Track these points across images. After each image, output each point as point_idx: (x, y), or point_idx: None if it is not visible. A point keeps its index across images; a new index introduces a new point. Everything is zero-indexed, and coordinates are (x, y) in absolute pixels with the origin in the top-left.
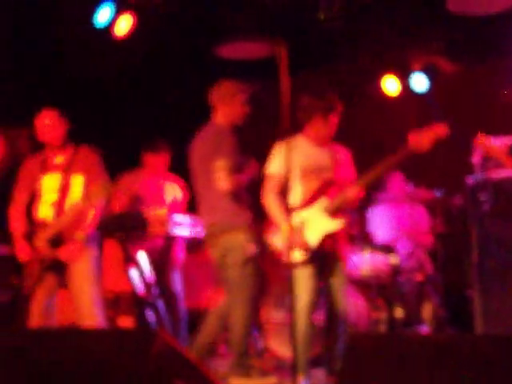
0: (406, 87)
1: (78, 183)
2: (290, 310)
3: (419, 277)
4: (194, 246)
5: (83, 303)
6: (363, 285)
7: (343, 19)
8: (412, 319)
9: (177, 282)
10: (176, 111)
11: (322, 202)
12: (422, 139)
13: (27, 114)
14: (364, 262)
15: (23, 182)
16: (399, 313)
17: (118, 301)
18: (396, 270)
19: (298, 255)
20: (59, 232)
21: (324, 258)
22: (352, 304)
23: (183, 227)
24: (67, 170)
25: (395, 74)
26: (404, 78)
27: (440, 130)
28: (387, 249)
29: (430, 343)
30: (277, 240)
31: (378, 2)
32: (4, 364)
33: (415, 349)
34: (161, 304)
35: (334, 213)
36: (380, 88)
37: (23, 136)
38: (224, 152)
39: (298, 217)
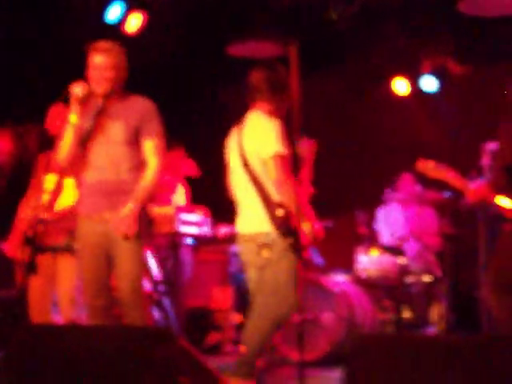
0: (416, 88)
1: (70, 185)
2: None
3: (427, 278)
4: (201, 244)
5: (63, 304)
6: (370, 285)
7: (354, 20)
8: (420, 321)
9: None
10: (188, 109)
11: None
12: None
13: (38, 111)
14: (371, 262)
15: (34, 180)
16: (407, 314)
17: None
18: (404, 271)
19: None
20: (41, 234)
21: None
22: (358, 304)
23: (191, 226)
24: (62, 172)
25: (405, 76)
26: (414, 79)
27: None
28: (395, 249)
29: (438, 345)
30: None
31: (388, 4)
32: (15, 359)
33: (423, 351)
34: (167, 301)
35: None
36: (390, 88)
37: (32, 132)
38: None
39: None
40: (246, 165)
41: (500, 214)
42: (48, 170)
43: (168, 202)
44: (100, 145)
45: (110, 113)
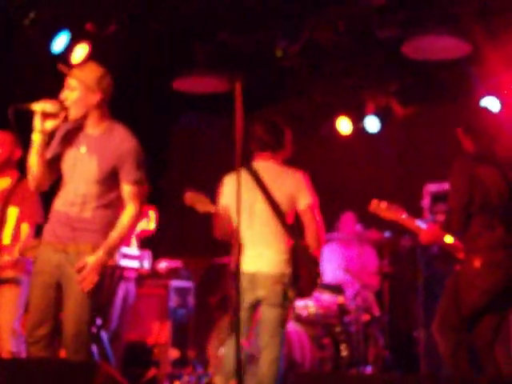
0: (359, 128)
1: (12, 216)
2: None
3: (365, 317)
4: (141, 278)
5: (3, 335)
6: (310, 323)
7: (299, 58)
8: (357, 359)
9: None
10: None
11: None
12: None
13: None
14: (312, 300)
15: None
16: (345, 352)
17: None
18: (343, 310)
19: None
20: None
21: None
22: (297, 342)
23: (131, 259)
24: (5, 201)
25: (348, 115)
26: (357, 119)
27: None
28: (335, 288)
29: (375, 383)
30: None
31: (334, 43)
32: None
33: None
34: (104, 335)
35: None
36: (334, 127)
37: None
38: None
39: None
40: (277, 212)
41: (450, 254)
42: None
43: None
44: (70, 176)
45: (84, 140)
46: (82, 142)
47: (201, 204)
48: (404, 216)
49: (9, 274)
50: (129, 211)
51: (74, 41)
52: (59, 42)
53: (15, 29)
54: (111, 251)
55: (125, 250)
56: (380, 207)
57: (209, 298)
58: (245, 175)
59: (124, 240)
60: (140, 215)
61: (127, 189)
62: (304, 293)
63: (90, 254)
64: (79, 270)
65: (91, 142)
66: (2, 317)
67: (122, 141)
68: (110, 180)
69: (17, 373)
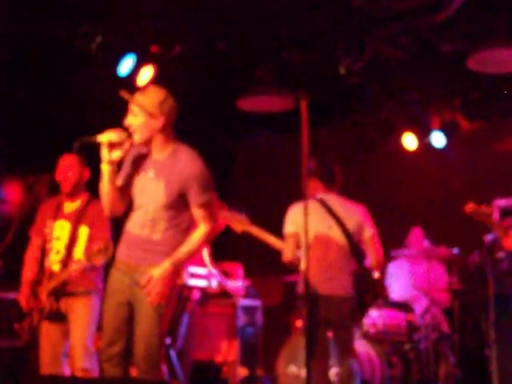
0: (425, 143)
1: (83, 235)
2: (304, 364)
3: (435, 335)
4: (207, 297)
5: (76, 352)
6: (378, 341)
7: (364, 74)
8: (427, 378)
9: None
10: None
11: None
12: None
13: (49, 161)
14: (380, 317)
15: (39, 226)
16: (415, 371)
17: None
18: (412, 327)
19: None
20: (62, 284)
21: None
22: (366, 360)
23: (199, 279)
24: (76, 220)
25: (414, 131)
26: (423, 134)
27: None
28: (404, 305)
29: None
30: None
31: (399, 60)
32: None
33: None
34: (173, 354)
35: None
36: (400, 143)
37: (43, 182)
38: None
39: None
40: (350, 240)
41: None
42: (57, 216)
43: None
44: (140, 200)
45: (151, 165)
46: (149, 166)
47: (239, 224)
48: (496, 219)
49: (80, 288)
50: (200, 230)
51: (140, 63)
52: (125, 65)
53: (81, 56)
54: (178, 264)
55: (192, 269)
56: (477, 209)
57: (289, 318)
58: (313, 204)
59: (192, 256)
60: (212, 235)
61: (196, 211)
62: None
63: None
64: (145, 284)
65: (158, 167)
66: (75, 334)
67: (186, 164)
68: (178, 203)
69: None
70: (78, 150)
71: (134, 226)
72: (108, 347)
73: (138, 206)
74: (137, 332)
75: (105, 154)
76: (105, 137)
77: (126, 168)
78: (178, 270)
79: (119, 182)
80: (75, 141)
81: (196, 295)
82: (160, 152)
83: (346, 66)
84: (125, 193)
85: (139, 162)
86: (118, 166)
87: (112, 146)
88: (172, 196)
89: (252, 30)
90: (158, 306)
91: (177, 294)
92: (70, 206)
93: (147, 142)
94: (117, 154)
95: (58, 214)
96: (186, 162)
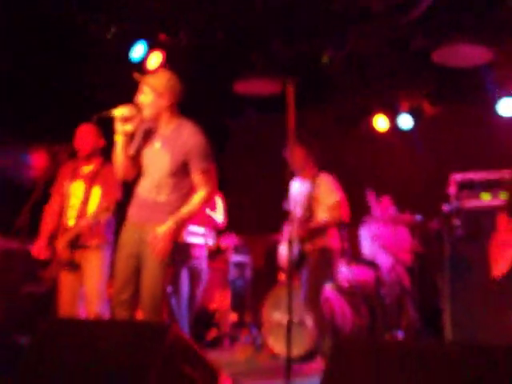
0: (394, 125)
1: (96, 194)
2: (287, 311)
3: (398, 289)
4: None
5: (90, 298)
6: (350, 294)
7: (343, 64)
8: (391, 326)
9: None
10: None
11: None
12: None
13: (70, 132)
14: (352, 273)
15: (58, 186)
16: (380, 320)
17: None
18: (379, 283)
19: None
20: (75, 237)
21: None
22: (339, 310)
23: (199, 236)
24: (91, 181)
25: (385, 114)
26: (393, 116)
27: None
28: (373, 263)
29: (406, 348)
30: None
31: (375, 52)
32: (39, 347)
33: (393, 353)
34: (173, 301)
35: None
36: (373, 123)
37: (65, 151)
38: None
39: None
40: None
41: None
42: (74, 177)
43: (207, 218)
44: (148, 168)
45: (158, 137)
46: (157, 139)
47: None
48: None
49: (92, 242)
50: (200, 194)
51: (150, 50)
52: (137, 51)
53: (98, 42)
54: (180, 223)
55: (192, 228)
56: None
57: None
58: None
59: (192, 216)
60: (210, 199)
61: (197, 178)
62: None
63: None
64: (151, 241)
65: (164, 139)
66: (89, 282)
67: (189, 137)
68: (181, 170)
69: (98, 333)
70: (96, 122)
71: (143, 190)
72: (119, 294)
73: (146, 173)
74: (143, 283)
75: (118, 126)
76: (119, 111)
77: (137, 140)
78: (179, 228)
79: (130, 151)
80: (94, 114)
81: (200, 252)
82: (166, 126)
83: (328, 56)
84: (135, 161)
85: (148, 135)
86: (129, 137)
87: (125, 119)
88: (176, 164)
89: (247, 23)
90: (161, 260)
91: (180, 250)
92: (86, 169)
93: (155, 118)
94: (129, 127)
95: (75, 175)
96: (188, 135)
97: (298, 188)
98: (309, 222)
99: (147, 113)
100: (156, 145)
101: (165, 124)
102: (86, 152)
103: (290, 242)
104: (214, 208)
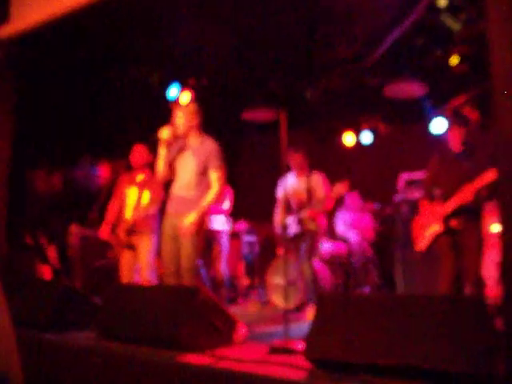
0: (358, 140)
1: (146, 196)
2: (283, 276)
3: (364, 258)
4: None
5: (144, 270)
6: (329, 262)
7: (321, 98)
8: (360, 284)
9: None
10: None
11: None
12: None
13: (126, 150)
14: (331, 247)
15: (118, 190)
16: (352, 280)
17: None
18: (350, 253)
19: None
20: (132, 225)
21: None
22: (323, 274)
23: (221, 223)
24: (142, 187)
25: (352, 132)
26: (357, 134)
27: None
28: (345, 239)
29: (372, 300)
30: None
31: (342, 88)
32: (109, 303)
33: (362, 303)
34: (204, 271)
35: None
36: (342, 139)
37: (122, 164)
38: None
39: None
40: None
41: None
42: (130, 184)
43: (220, 208)
44: (181, 170)
45: (189, 148)
46: (187, 149)
47: None
48: None
49: (144, 229)
50: (213, 189)
51: (182, 90)
52: (173, 91)
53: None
54: (201, 213)
55: (215, 217)
56: None
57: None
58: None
59: (210, 207)
60: (221, 193)
61: (213, 174)
62: None
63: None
64: (184, 227)
65: (193, 149)
66: (142, 258)
67: (209, 145)
68: (203, 172)
69: (148, 294)
70: (149, 141)
71: (175, 189)
72: (167, 267)
73: (178, 176)
74: (181, 258)
75: (161, 143)
76: (163, 133)
77: (173, 152)
78: (202, 216)
79: (169, 160)
80: (149, 137)
81: (221, 234)
82: (194, 141)
83: (310, 92)
84: (171, 167)
85: (181, 147)
86: (168, 150)
87: (166, 138)
88: (201, 165)
89: (251, 69)
90: (192, 239)
91: (204, 232)
92: (139, 178)
93: (186, 135)
94: (169, 141)
95: (130, 182)
96: (209, 144)
97: (294, 182)
98: (310, 208)
99: (181, 131)
100: (187, 154)
101: (194, 139)
102: (138, 165)
103: (284, 226)
104: (223, 198)
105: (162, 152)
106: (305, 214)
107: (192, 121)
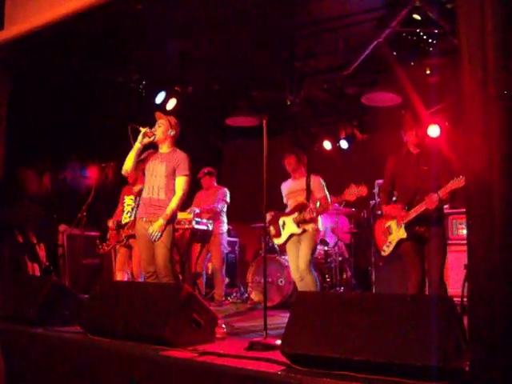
0: (337, 146)
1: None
2: (263, 275)
3: (340, 258)
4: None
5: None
6: None
7: (300, 105)
8: (335, 284)
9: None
10: (198, 156)
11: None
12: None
13: (113, 153)
14: None
15: (121, 198)
16: (328, 279)
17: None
18: (327, 254)
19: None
20: (129, 227)
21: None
22: None
23: (202, 225)
24: (137, 196)
25: (330, 139)
26: (335, 141)
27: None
28: (324, 241)
29: (346, 298)
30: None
31: (322, 97)
32: (95, 299)
33: (336, 301)
34: (185, 266)
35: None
36: (322, 145)
37: (110, 166)
38: None
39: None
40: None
41: None
42: (129, 194)
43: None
44: (151, 175)
45: (159, 156)
46: (158, 156)
47: None
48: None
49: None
50: (177, 195)
51: (168, 96)
52: (159, 97)
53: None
54: (168, 216)
55: (197, 218)
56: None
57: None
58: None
59: (176, 210)
60: (184, 198)
61: (178, 180)
62: None
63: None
64: (152, 231)
65: (162, 156)
66: (136, 258)
67: (179, 156)
68: (171, 177)
69: (134, 290)
70: (129, 130)
71: (145, 193)
72: (146, 268)
73: (148, 180)
74: (156, 254)
75: (140, 138)
76: (144, 129)
77: (145, 154)
78: (169, 219)
79: (138, 158)
80: (128, 124)
81: (204, 234)
82: (166, 149)
83: (290, 100)
84: (138, 166)
85: (153, 153)
86: (141, 149)
87: (145, 135)
88: (168, 172)
89: (234, 79)
90: (163, 240)
91: (173, 233)
92: (134, 189)
93: (162, 142)
94: (146, 140)
95: (129, 193)
96: (178, 154)
97: (291, 185)
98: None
99: (158, 137)
100: (157, 160)
101: (166, 148)
102: (134, 180)
103: (268, 222)
104: (219, 200)
105: (137, 145)
106: (303, 215)
107: (170, 132)
